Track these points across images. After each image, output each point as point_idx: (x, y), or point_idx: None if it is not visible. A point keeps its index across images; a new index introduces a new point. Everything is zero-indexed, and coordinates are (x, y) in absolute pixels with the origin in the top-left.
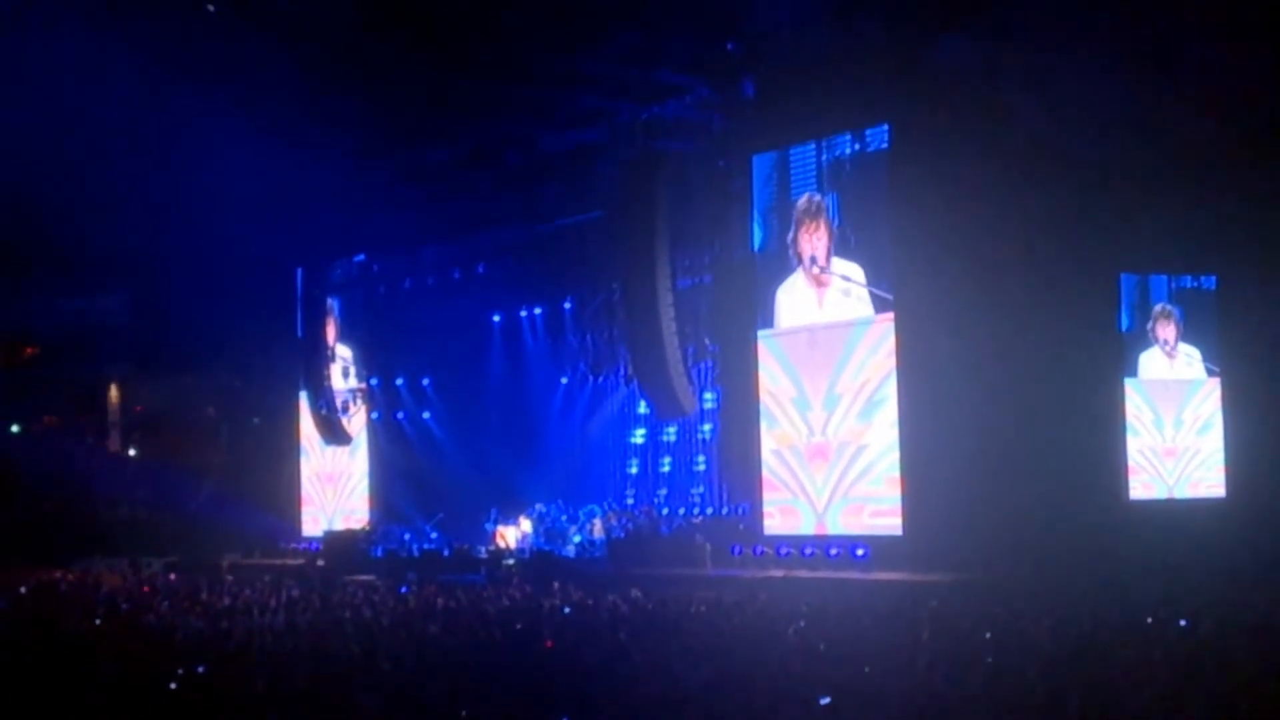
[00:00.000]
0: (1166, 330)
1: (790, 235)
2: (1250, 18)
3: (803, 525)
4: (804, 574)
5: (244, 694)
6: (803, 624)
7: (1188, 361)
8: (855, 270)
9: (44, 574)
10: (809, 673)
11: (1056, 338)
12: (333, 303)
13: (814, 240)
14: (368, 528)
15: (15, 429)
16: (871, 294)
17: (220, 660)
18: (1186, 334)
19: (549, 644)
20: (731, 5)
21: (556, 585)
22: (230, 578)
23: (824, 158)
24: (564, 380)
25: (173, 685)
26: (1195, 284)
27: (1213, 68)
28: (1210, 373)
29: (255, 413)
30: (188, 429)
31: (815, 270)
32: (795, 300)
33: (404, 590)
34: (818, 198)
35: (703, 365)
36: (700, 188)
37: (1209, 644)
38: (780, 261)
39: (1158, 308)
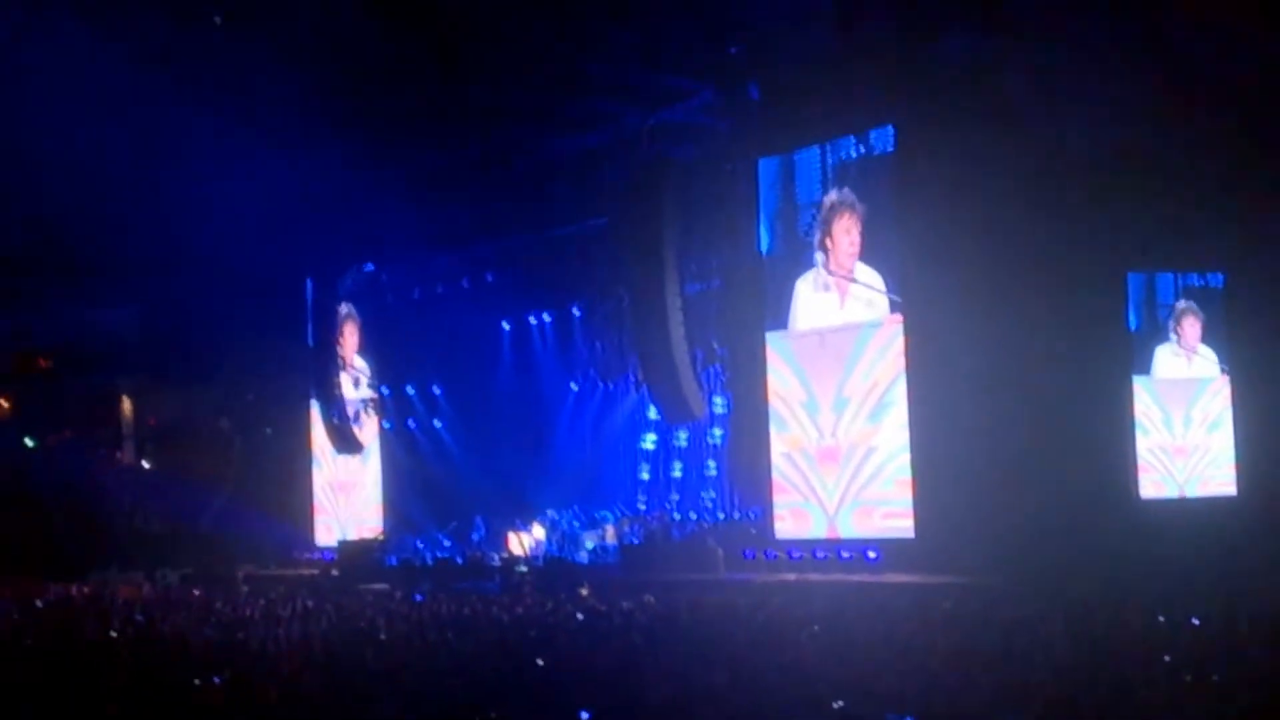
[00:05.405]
0: (1191, 329)
1: (818, 233)
2: (1254, 11)
3: (814, 528)
4: (816, 577)
5: (260, 704)
6: (816, 627)
7: (1203, 360)
8: (876, 274)
9: (59, 587)
10: (823, 676)
11: (1065, 337)
12: (354, 312)
13: (849, 235)
14: (381, 536)
15: (29, 443)
16: (889, 298)
17: (236, 670)
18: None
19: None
20: (734, 8)
21: (585, 591)
22: (246, 588)
23: (829, 160)
24: (574, 386)
25: (189, 695)
26: (1202, 282)
27: (1217, 63)
28: (1222, 370)
29: (267, 423)
30: (200, 440)
31: (839, 271)
32: (814, 300)
33: (419, 598)
34: (847, 191)
35: (712, 369)
36: (707, 192)
37: (1221, 642)
38: (791, 263)
39: (1181, 305)
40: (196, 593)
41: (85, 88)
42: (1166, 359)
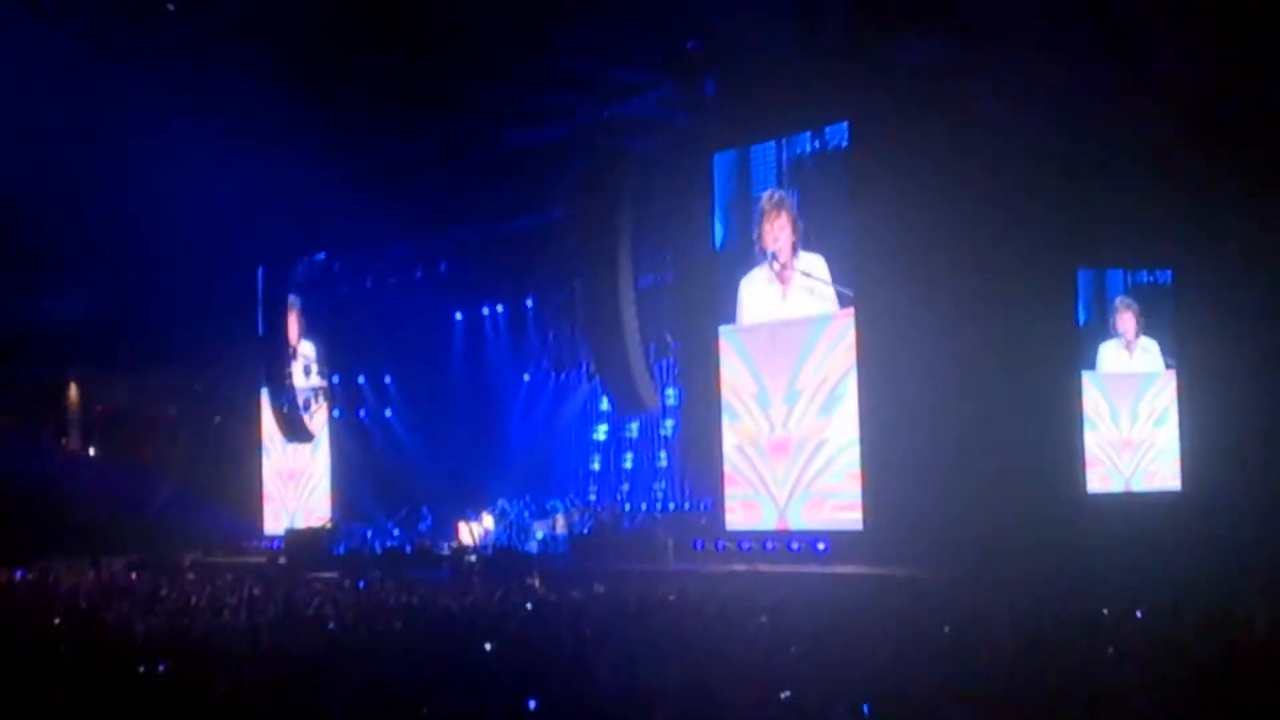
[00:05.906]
0: (1128, 323)
1: (755, 231)
2: (1204, 14)
3: (764, 520)
4: (765, 568)
5: (205, 692)
6: (764, 618)
7: (1146, 354)
8: (820, 264)
9: (1, 573)
10: (771, 666)
11: (1015, 333)
12: (295, 300)
13: (778, 233)
14: (329, 525)
15: None
16: (835, 290)
17: (181, 659)
18: (1145, 327)
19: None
20: (692, 3)
21: (537, 581)
22: (192, 576)
23: (784, 155)
24: (526, 377)
25: (133, 684)
26: (1151, 278)
27: (1167, 65)
28: (1168, 365)
29: (216, 411)
30: (148, 428)
31: (778, 265)
32: (759, 295)
33: (363, 585)
34: (780, 192)
35: (665, 362)
36: (662, 185)
37: (1165, 635)
38: (743, 258)
39: (1118, 300)
40: (140, 580)
41: (34, 73)
42: (1112, 354)
